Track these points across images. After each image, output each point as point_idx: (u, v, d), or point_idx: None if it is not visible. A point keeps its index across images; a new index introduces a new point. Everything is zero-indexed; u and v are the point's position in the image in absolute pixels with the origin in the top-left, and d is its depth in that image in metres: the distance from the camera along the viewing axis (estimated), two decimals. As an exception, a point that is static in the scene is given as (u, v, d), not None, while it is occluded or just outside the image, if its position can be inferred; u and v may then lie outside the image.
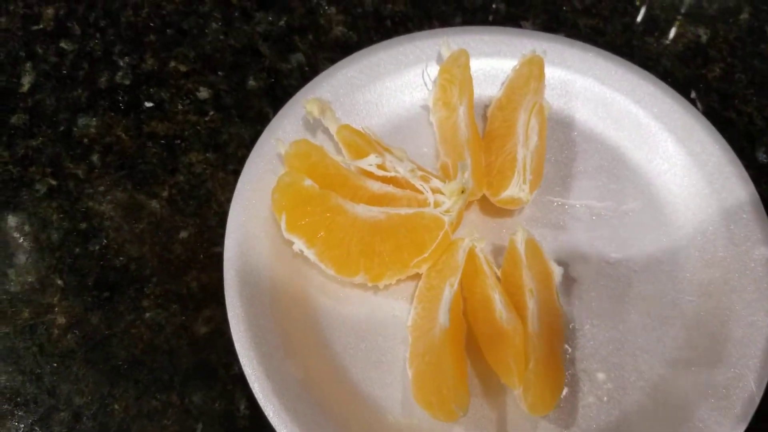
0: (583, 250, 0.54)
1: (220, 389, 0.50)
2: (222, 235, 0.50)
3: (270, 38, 0.64)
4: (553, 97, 0.59)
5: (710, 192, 0.54)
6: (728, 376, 0.47)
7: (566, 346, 0.50)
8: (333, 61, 0.59)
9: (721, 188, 0.53)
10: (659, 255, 0.53)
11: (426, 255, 0.49)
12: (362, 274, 0.49)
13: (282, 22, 0.65)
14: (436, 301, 0.47)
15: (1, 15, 0.64)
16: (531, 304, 0.47)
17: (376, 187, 0.51)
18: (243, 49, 0.63)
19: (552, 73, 0.58)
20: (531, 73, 0.55)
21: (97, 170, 0.58)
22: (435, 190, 0.50)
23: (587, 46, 0.59)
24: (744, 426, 0.45)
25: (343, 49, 0.61)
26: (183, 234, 0.55)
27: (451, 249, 0.49)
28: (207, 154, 0.58)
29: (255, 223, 0.51)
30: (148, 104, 0.60)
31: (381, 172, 0.51)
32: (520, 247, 0.49)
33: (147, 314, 0.52)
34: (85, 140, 0.59)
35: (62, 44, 0.63)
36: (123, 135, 0.59)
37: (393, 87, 0.59)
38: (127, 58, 0.63)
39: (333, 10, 0.65)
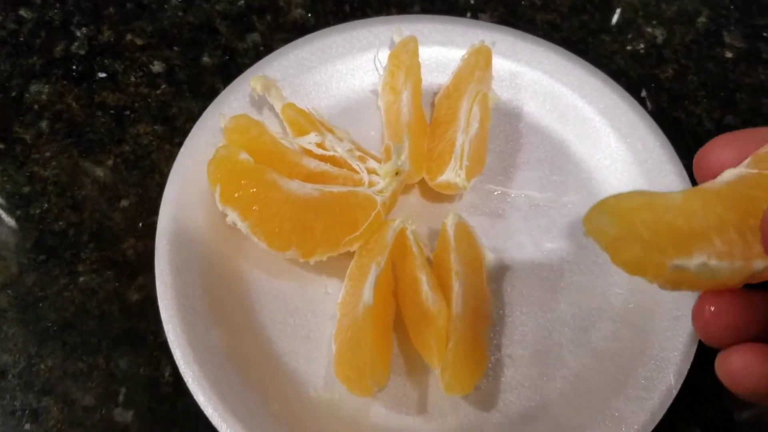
0: (519, 239, 0.54)
1: (146, 355, 0.50)
2: (161, 206, 0.51)
3: (229, 17, 0.64)
4: (502, 89, 0.59)
5: (648, 188, 0.54)
6: (649, 368, 0.48)
7: (492, 331, 0.50)
8: (289, 42, 0.59)
9: (659, 185, 0.54)
10: (592, 248, 0.53)
11: (358, 234, 0.49)
12: (294, 249, 0.49)
13: (242, 2, 0.65)
14: (364, 279, 0.48)
15: (-35, -20, 0.65)
16: (456, 287, 0.47)
17: (313, 165, 0.51)
18: (200, 26, 0.64)
19: (502, 65, 0.59)
20: (477, 63, 0.55)
21: (44, 136, 0.58)
22: (371, 171, 0.51)
23: (539, 39, 0.60)
24: (659, 417, 0.46)
25: (301, 32, 0.61)
26: (124, 203, 0.55)
27: (382, 229, 0.50)
28: (155, 126, 0.59)
29: (192, 193, 0.52)
30: (102, 75, 0.61)
31: (320, 151, 0.52)
32: (450, 230, 0.49)
33: (81, 278, 0.52)
34: (36, 106, 0.59)
35: (22, 12, 0.64)
36: (74, 104, 0.59)
37: (344, 70, 0.59)
38: (84, 29, 0.63)
39: (295, -8, 0.66)
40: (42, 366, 0.49)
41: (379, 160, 0.52)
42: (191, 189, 0.52)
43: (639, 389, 0.47)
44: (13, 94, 0.60)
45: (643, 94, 0.63)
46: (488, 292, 0.51)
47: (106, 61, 0.62)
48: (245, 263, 0.52)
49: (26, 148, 0.57)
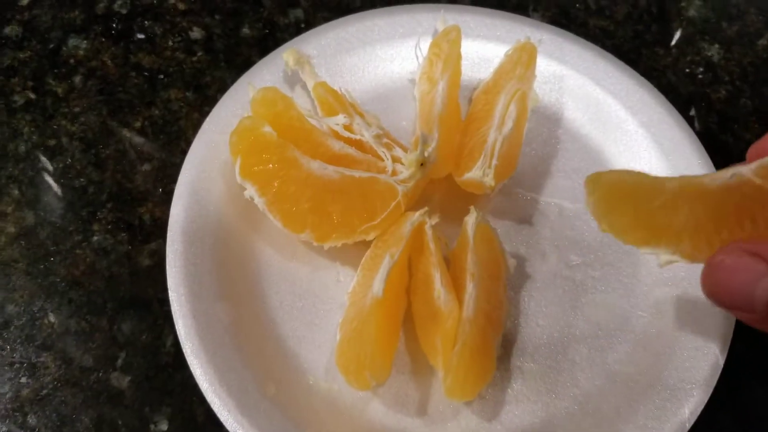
0: (543, 248, 0.52)
1: (150, 322, 0.49)
2: (184, 174, 0.50)
3: (274, -10, 0.63)
4: (544, 91, 0.57)
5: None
6: (663, 397, 0.45)
7: (504, 339, 0.49)
8: (331, 21, 0.58)
9: (697, 208, 0.51)
10: (620, 266, 0.51)
11: (375, 222, 0.47)
12: (308, 231, 0.48)
13: (289, -24, 0.64)
14: (376, 270, 0.46)
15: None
16: (470, 288, 0.46)
17: (338, 147, 0.50)
18: (245, -3, 0.63)
19: (547, 66, 0.57)
20: (520, 60, 0.53)
21: (76, 91, 0.58)
22: (396, 159, 0.49)
23: (588, 43, 0.57)
24: (668, 451, 0.43)
25: (345, 12, 0.59)
26: (146, 166, 0.55)
27: (400, 221, 0.48)
28: (186, 93, 0.58)
29: (214, 163, 0.51)
30: (140, 36, 0.60)
31: (347, 134, 0.50)
32: (470, 230, 0.47)
33: (95, 238, 0.52)
34: (72, 61, 0.59)
35: (69, -35, 0.64)
36: (109, 62, 0.59)
37: (383, 55, 0.57)
38: (129, -12, 0.63)
39: (344, -28, 0.64)
40: (45, 321, 0.49)
41: (406, 150, 0.50)
42: (213, 159, 0.51)
43: (650, 419, 0.45)
44: (51, 46, 0.59)
45: (692, 112, 0.60)
46: (504, 298, 0.49)
47: (146, 22, 0.61)
48: (259, 240, 0.51)
49: (57, 101, 0.57)
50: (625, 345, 0.49)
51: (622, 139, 0.55)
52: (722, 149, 0.58)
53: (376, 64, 0.57)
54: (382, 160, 0.49)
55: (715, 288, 0.38)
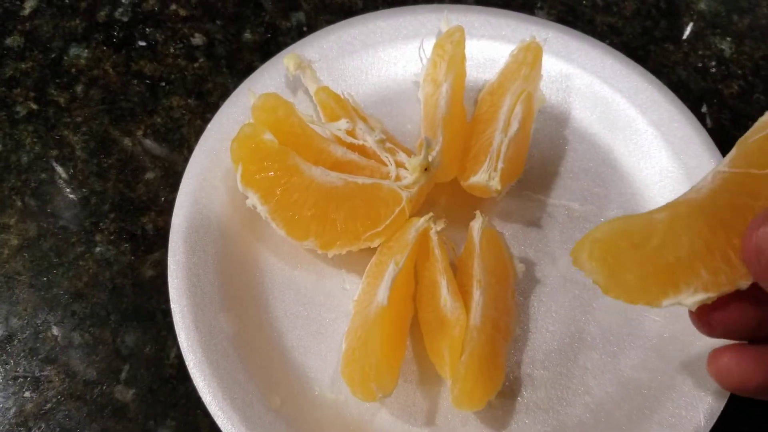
0: (553, 251, 0.51)
1: (154, 334, 0.49)
2: (186, 182, 0.49)
3: (275, -7, 0.63)
4: (550, 90, 0.56)
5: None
6: (678, 404, 0.44)
7: (514, 346, 0.47)
8: (333, 24, 0.57)
9: (711, 208, 0.50)
10: (632, 268, 0.50)
11: (380, 229, 0.47)
12: (312, 239, 0.47)
13: (290, -21, 0.63)
14: (381, 278, 0.45)
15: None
16: (477, 296, 0.45)
17: (340, 152, 0.49)
18: (245, 1, 0.62)
19: (553, 65, 0.55)
20: (525, 60, 0.52)
21: (78, 101, 0.57)
22: (399, 164, 0.48)
23: (595, 41, 0.56)
24: (684, 459, 0.42)
25: (347, 14, 0.59)
26: (149, 175, 0.54)
27: (405, 227, 0.47)
28: (188, 100, 0.57)
29: (216, 171, 0.50)
30: (142, 43, 0.60)
31: (349, 139, 0.49)
32: (476, 235, 0.46)
33: (97, 249, 0.51)
34: (73, 70, 0.59)
35: (70, -26, 0.63)
36: (111, 70, 0.59)
37: (386, 57, 0.57)
38: (130, -4, 0.62)
39: (346, -26, 0.64)
40: (49, 334, 0.49)
41: (410, 154, 0.50)
42: (215, 167, 0.50)
43: (665, 426, 0.44)
44: (53, 55, 0.59)
45: (704, 109, 0.58)
46: (513, 304, 0.48)
47: (147, 29, 0.60)
48: (263, 249, 0.50)
49: (59, 111, 0.57)
50: (637, 350, 0.47)
51: (632, 138, 0.54)
52: (735, 146, 0.56)
53: (379, 66, 0.57)
54: (386, 166, 0.48)
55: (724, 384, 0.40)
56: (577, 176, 0.54)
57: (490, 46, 0.57)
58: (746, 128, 0.57)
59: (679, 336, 0.47)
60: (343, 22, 0.57)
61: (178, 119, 0.56)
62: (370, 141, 0.49)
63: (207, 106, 0.57)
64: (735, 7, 0.63)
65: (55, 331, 0.49)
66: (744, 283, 0.34)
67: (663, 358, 0.47)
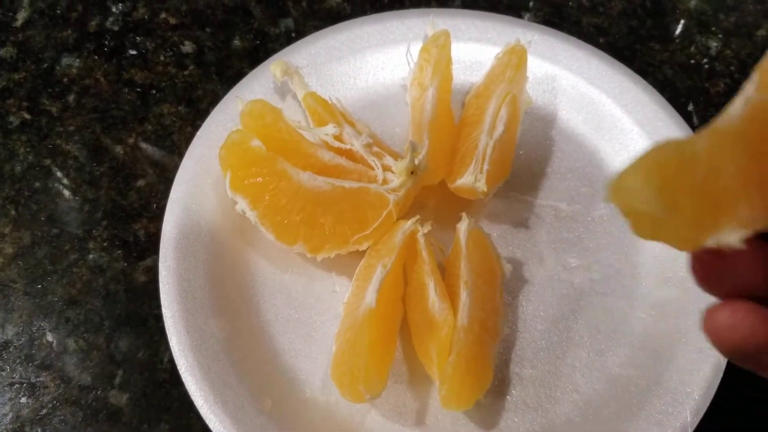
0: (541, 252, 0.52)
1: (147, 339, 0.49)
2: (177, 188, 0.50)
3: (263, 0, 0.63)
4: (536, 92, 0.56)
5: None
6: (665, 401, 0.45)
7: (502, 346, 0.48)
8: (321, 30, 0.58)
9: (696, 206, 0.50)
10: (620, 267, 0.51)
11: (368, 232, 0.47)
12: (301, 243, 0.47)
13: (279, -14, 0.64)
14: (369, 281, 0.46)
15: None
16: (464, 296, 0.45)
17: (328, 157, 0.49)
18: (234, 9, 0.63)
19: (539, 67, 0.56)
20: (510, 63, 0.52)
21: (70, 110, 0.58)
22: (386, 168, 0.49)
23: (580, 42, 0.56)
24: (671, 455, 0.43)
25: (335, 20, 0.59)
26: (141, 182, 0.55)
27: (393, 230, 0.48)
28: (179, 107, 0.58)
29: (205, 178, 0.51)
30: (132, 52, 0.60)
31: (336, 144, 0.50)
32: (462, 237, 0.47)
33: (90, 256, 0.52)
34: (65, 80, 0.59)
35: (61, -16, 0.64)
36: (102, 79, 0.59)
37: (374, 62, 0.57)
38: (120, 5, 0.63)
39: (335, -20, 0.64)
40: (44, 341, 0.49)
41: (399, 157, 0.50)
42: (205, 173, 0.51)
43: (652, 423, 0.44)
44: (45, 66, 0.60)
45: (690, 107, 0.59)
46: (501, 305, 0.48)
47: (137, 38, 0.61)
48: (253, 254, 0.51)
49: (51, 120, 0.57)
50: (625, 348, 0.48)
51: (618, 138, 0.54)
52: (721, 144, 0.57)
53: (367, 71, 0.57)
54: (373, 169, 0.49)
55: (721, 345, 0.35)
56: (564, 176, 0.54)
57: (477, 49, 0.57)
58: (732, 126, 0.58)
59: (665, 333, 0.47)
60: (330, 28, 0.57)
61: (169, 126, 0.57)
62: (357, 145, 0.49)
63: (197, 113, 0.57)
64: (721, 5, 0.64)
65: (50, 337, 0.49)
66: None
67: (650, 356, 0.47)
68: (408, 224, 0.47)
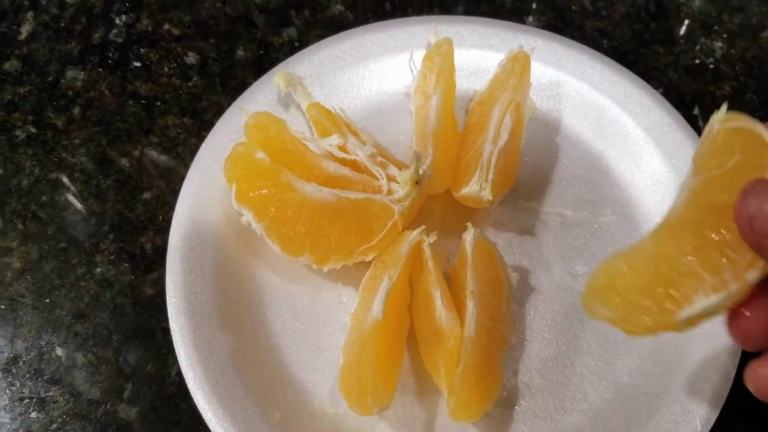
0: (547, 259, 0.52)
1: (155, 352, 0.50)
2: (184, 200, 0.50)
3: (266, 10, 0.63)
4: (541, 98, 0.56)
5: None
6: (674, 410, 0.45)
7: (510, 355, 0.48)
8: (324, 39, 0.58)
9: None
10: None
11: (373, 243, 0.47)
12: (307, 254, 0.47)
13: (281, -5, 0.64)
14: (376, 291, 0.46)
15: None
16: (470, 307, 0.45)
17: (333, 168, 0.49)
18: (237, 19, 0.63)
19: (543, 73, 0.56)
20: (513, 70, 0.52)
21: (75, 123, 0.58)
22: (391, 178, 0.49)
23: (584, 47, 0.56)
24: (681, 464, 0.43)
25: (338, 28, 0.59)
26: (147, 195, 0.55)
27: (399, 240, 0.48)
28: (184, 119, 0.58)
29: (211, 190, 0.51)
30: (136, 64, 0.61)
31: (341, 154, 0.50)
32: (468, 246, 0.47)
33: (98, 269, 0.52)
34: (70, 93, 0.59)
35: (65, -3, 0.64)
36: (106, 91, 0.59)
37: (377, 71, 0.57)
38: (124, 17, 0.63)
39: (336, -12, 0.64)
40: (53, 355, 0.50)
41: (403, 167, 0.50)
42: (210, 186, 0.51)
43: (661, 432, 0.44)
44: (50, 79, 0.60)
45: (696, 111, 0.58)
46: (508, 314, 0.48)
47: (141, 50, 0.61)
48: (259, 265, 0.51)
49: (57, 133, 0.58)
50: (633, 356, 0.48)
51: (623, 143, 0.54)
52: (728, 148, 0.56)
53: (370, 79, 0.57)
54: (378, 180, 0.49)
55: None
56: (569, 183, 0.54)
57: (480, 56, 0.57)
58: (738, 129, 0.57)
59: (673, 341, 0.47)
60: (332, 37, 0.57)
61: (174, 138, 0.57)
62: (361, 155, 0.49)
63: (202, 124, 0.57)
64: (726, 6, 0.64)
65: (59, 351, 0.50)
66: (752, 274, 0.32)
67: (659, 364, 0.47)
68: (414, 234, 0.47)
